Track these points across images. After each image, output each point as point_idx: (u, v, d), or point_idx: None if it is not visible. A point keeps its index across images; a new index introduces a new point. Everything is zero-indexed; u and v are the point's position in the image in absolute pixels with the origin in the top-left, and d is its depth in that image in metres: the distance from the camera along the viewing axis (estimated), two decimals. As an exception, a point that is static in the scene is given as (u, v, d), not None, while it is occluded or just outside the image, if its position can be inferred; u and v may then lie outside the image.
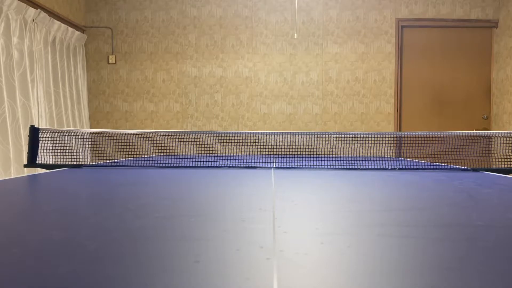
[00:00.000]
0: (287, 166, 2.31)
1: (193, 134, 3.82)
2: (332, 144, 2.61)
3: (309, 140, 2.79)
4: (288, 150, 3.53)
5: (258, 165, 2.25)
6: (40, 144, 2.22)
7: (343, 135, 2.43)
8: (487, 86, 4.59)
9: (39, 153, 2.20)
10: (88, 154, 3.72)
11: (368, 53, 4.56)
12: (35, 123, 3.52)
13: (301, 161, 2.66)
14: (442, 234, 0.77)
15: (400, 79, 4.59)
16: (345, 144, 2.75)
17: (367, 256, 0.62)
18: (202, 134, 3.85)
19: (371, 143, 3.99)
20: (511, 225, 0.85)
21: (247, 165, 2.24)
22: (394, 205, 1.09)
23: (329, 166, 2.24)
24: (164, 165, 2.28)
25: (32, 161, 2.17)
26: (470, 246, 0.68)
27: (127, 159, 2.83)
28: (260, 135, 3.33)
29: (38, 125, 3.58)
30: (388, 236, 0.75)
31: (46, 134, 2.27)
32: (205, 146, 3.93)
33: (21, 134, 3.34)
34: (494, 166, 2.45)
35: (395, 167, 2.27)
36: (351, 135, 2.39)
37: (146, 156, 3.10)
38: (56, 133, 2.33)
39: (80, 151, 2.94)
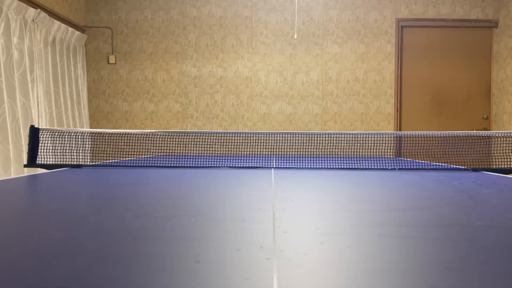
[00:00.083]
0: (287, 166, 2.31)
1: (193, 134, 3.82)
2: (332, 144, 2.61)
3: (309, 140, 2.79)
4: (288, 150, 3.53)
5: (258, 165, 2.25)
6: (40, 144, 2.22)
7: (343, 135, 2.43)
8: (487, 86, 4.59)
9: (39, 153, 2.20)
10: (88, 154, 3.72)
11: (368, 53, 4.56)
12: (35, 123, 3.52)
13: (301, 161, 2.66)
14: (442, 234, 0.77)
15: (400, 79, 4.59)
16: (345, 144, 2.75)
17: (367, 256, 0.62)
18: (202, 134, 3.85)
19: (371, 143, 4.00)
20: (511, 225, 0.85)
21: (247, 165, 2.24)
22: (394, 205, 1.09)
23: (329, 166, 2.24)
24: (164, 165, 2.28)
25: (32, 161, 2.17)
26: (470, 246, 0.68)
27: (127, 159, 2.83)
28: (260, 135, 3.33)
29: (38, 125, 3.58)
30: (388, 236, 0.75)
31: (46, 134, 2.27)
32: (205, 146, 3.93)
33: (21, 134, 3.34)
34: (494, 166, 2.45)
35: (395, 167, 2.27)
36: (351, 135, 2.39)
37: (146, 156, 3.10)
38: (56, 133, 2.33)
39: (80, 151, 2.94)
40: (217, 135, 4.06)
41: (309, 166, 2.27)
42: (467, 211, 1.01)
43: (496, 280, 0.52)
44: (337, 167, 2.22)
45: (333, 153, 2.68)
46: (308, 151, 2.83)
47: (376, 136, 2.45)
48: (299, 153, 3.25)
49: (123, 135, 2.59)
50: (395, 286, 0.50)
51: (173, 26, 4.57)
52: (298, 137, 3.66)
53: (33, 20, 3.57)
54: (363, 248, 0.67)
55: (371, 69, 4.56)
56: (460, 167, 2.31)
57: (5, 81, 3.18)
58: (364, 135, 2.36)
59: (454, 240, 0.72)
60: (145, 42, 4.59)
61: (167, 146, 2.81)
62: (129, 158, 2.86)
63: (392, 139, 4.13)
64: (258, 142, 2.87)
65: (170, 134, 3.04)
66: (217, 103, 4.60)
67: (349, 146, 2.83)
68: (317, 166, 2.26)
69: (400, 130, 4.59)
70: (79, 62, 4.41)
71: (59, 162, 2.27)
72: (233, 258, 0.61)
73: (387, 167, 2.28)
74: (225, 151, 3.56)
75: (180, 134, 3.44)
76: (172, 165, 2.28)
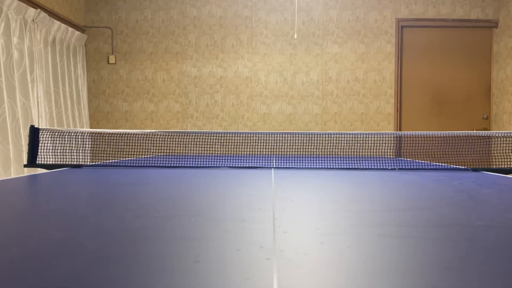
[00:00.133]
0: (287, 166, 2.31)
1: (193, 134, 3.82)
2: (332, 144, 2.61)
3: (309, 140, 2.79)
4: (288, 150, 3.53)
5: (258, 165, 2.25)
6: (40, 144, 2.22)
7: (343, 135, 2.43)
8: (487, 86, 4.59)
9: (39, 153, 2.20)
10: (88, 154, 3.72)
11: (368, 53, 4.56)
12: (35, 123, 3.52)
13: (301, 161, 2.66)
14: (442, 234, 0.77)
15: (400, 79, 4.59)
16: (345, 144, 2.75)
17: (367, 256, 0.62)
18: (202, 134, 3.85)
19: (371, 143, 3.99)
20: (511, 225, 0.85)
21: (247, 165, 2.24)
22: (394, 205, 1.09)
23: (329, 166, 2.24)
24: (164, 165, 2.28)
25: (32, 161, 2.17)
26: (470, 246, 0.68)
27: (127, 159, 2.83)
28: (260, 135, 3.33)
29: (38, 125, 3.58)
30: (388, 236, 0.75)
31: (46, 134, 2.27)
32: (205, 146, 3.93)
33: (21, 134, 3.34)
34: (494, 166, 2.45)
35: (395, 167, 2.27)
36: (351, 135, 2.39)
37: (146, 156, 3.10)
38: (56, 133, 2.33)
39: (80, 151, 2.94)
40: (217, 135, 4.06)
41: (309, 166, 2.27)
42: (467, 211, 1.01)
43: (496, 280, 0.52)
44: (337, 167, 2.22)
45: (333, 153, 2.68)
46: (308, 151, 2.83)
47: (376, 136, 2.45)
48: (299, 153, 3.25)
49: (123, 135, 2.59)
50: (395, 286, 0.50)
51: (173, 26, 4.57)
52: (298, 137, 3.66)
53: (33, 20, 3.57)
54: (363, 248, 0.67)
55: (371, 69, 4.56)
56: (460, 167, 2.31)
57: (5, 81, 3.18)
58: (364, 135, 2.36)
59: (454, 240, 0.72)
60: (145, 42, 4.59)
61: (167, 146, 2.81)
62: (129, 158, 2.86)
63: (392, 139, 4.13)
64: (258, 142, 2.87)
65: (170, 134, 3.05)
66: (217, 103, 4.60)
67: (349, 146, 2.83)
68: (317, 166, 2.26)
69: (400, 130, 4.59)
70: (79, 62, 4.41)
71: (59, 162, 2.27)
72: (233, 258, 0.61)
73: (387, 167, 2.28)
74: (225, 151, 3.56)
75: (180, 134, 3.44)
76: (172, 165, 2.28)
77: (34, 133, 2.19)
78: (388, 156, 3.94)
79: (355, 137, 3.49)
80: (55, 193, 1.27)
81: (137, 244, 0.69)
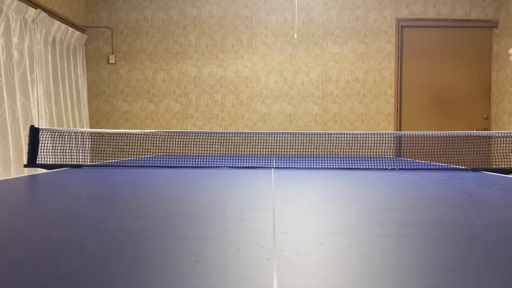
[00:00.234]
0: (287, 166, 2.31)
1: (193, 134, 3.82)
2: (332, 144, 2.61)
3: (309, 140, 2.79)
4: (288, 150, 3.52)
5: (258, 165, 2.25)
6: (40, 144, 2.22)
7: (343, 135, 2.43)
8: (487, 86, 4.59)
9: (39, 153, 2.20)
10: (88, 154, 3.72)
11: (368, 53, 4.56)
12: (35, 123, 3.52)
13: (301, 161, 2.66)
14: (442, 234, 0.77)
15: (400, 79, 4.59)
16: (345, 144, 2.75)
17: (367, 256, 0.62)
18: (202, 134, 3.85)
19: (371, 143, 3.99)
20: (511, 225, 0.85)
21: (247, 165, 2.24)
22: (394, 205, 1.09)
23: (329, 166, 2.24)
24: (164, 165, 2.28)
25: (32, 161, 2.17)
26: (470, 246, 0.68)
27: (127, 159, 2.83)
28: (260, 135, 3.33)
29: (38, 125, 3.58)
30: (388, 236, 0.75)
31: (46, 134, 2.27)
32: (205, 146, 3.93)
33: (21, 134, 3.34)
34: (494, 166, 2.45)
35: (395, 167, 2.27)
36: (351, 135, 2.39)
37: (146, 156, 3.10)
38: (56, 133, 2.33)
39: (80, 151, 2.94)
40: (217, 135, 4.06)
41: (309, 166, 2.27)
42: (467, 211, 1.01)
43: (496, 280, 0.52)
44: (337, 167, 2.22)
45: (333, 153, 2.68)
46: (308, 151, 2.83)
47: (376, 136, 2.45)
48: (299, 153, 3.25)
49: (123, 135, 2.59)
50: (395, 286, 0.50)
51: (173, 26, 4.57)
52: (298, 137, 3.66)
53: (33, 20, 3.57)
54: (363, 248, 0.67)
55: (371, 69, 4.56)
56: (460, 167, 2.31)
57: (5, 81, 3.18)
58: (364, 135, 2.36)
59: (454, 240, 0.72)
60: (145, 42, 4.59)
61: (167, 146, 2.81)
62: (129, 158, 2.86)
63: (392, 139, 4.13)
64: (258, 142, 2.87)
65: (170, 134, 3.05)
66: (217, 103, 4.60)
67: (349, 146, 2.83)
68: (317, 166, 2.26)
69: (400, 130, 4.59)
70: (79, 62, 4.41)
71: (59, 162, 2.27)
72: (233, 258, 0.61)
73: (387, 167, 2.28)
74: (225, 151, 3.56)
75: (180, 134, 3.44)
76: (172, 165, 2.28)
77: (34, 133, 2.19)
78: (388, 156, 3.94)
79: (355, 137, 3.49)
80: (55, 193, 1.27)
81: (137, 244, 0.69)
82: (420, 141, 3.00)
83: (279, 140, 3.84)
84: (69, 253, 0.63)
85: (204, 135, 3.85)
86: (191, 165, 2.30)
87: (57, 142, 2.32)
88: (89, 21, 4.59)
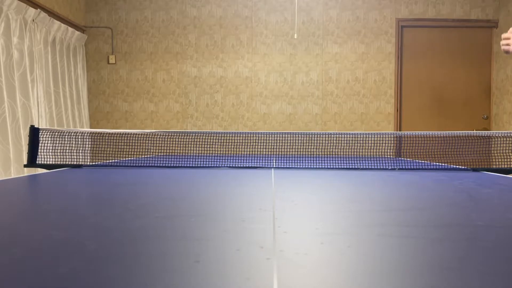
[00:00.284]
0: (287, 166, 2.31)
1: (193, 134, 3.82)
2: (332, 144, 2.61)
3: (309, 140, 2.79)
4: (288, 150, 3.52)
5: (258, 165, 2.25)
6: (40, 144, 2.22)
7: (343, 135, 2.43)
8: (487, 86, 4.59)
9: (39, 153, 2.20)
10: (88, 154, 3.72)
11: (368, 53, 4.56)
12: (35, 123, 3.52)
13: (301, 161, 2.66)
14: (442, 234, 0.76)
15: (400, 79, 4.59)
16: (345, 144, 2.75)
17: (367, 256, 0.62)
18: (202, 134, 3.85)
19: (371, 143, 3.99)
20: (511, 225, 0.85)
21: (247, 165, 2.24)
22: (394, 205, 1.09)
23: (329, 166, 2.24)
24: (164, 165, 2.28)
25: (32, 161, 2.17)
26: (470, 246, 0.68)
27: (127, 159, 2.83)
28: (260, 135, 3.33)
29: (38, 125, 3.58)
30: (388, 236, 0.75)
31: (46, 134, 2.27)
32: (205, 146, 3.92)
33: (21, 134, 3.34)
34: (494, 166, 2.45)
35: (395, 167, 2.27)
36: (351, 135, 2.39)
37: (146, 156, 3.10)
38: (56, 133, 2.33)
39: (80, 151, 2.94)
40: (217, 135, 4.06)
41: (309, 166, 2.27)
42: (467, 211, 1.01)
43: (496, 280, 0.52)
44: (337, 167, 2.22)
45: (333, 153, 2.68)
46: (308, 151, 2.83)
47: (376, 136, 2.45)
48: (299, 153, 3.25)
49: (123, 135, 2.59)
50: (395, 286, 0.50)
51: (173, 26, 4.57)
52: (298, 137, 3.66)
53: (33, 20, 3.57)
54: (363, 248, 0.67)
55: (371, 69, 4.56)
56: (460, 167, 2.31)
57: (5, 81, 3.18)
58: (364, 135, 2.36)
59: (454, 240, 0.72)
60: (145, 42, 4.59)
61: (167, 146, 2.81)
62: (129, 158, 2.86)
63: (392, 139, 4.13)
64: (258, 142, 2.87)
65: (170, 134, 3.05)
66: (217, 103, 4.60)
67: (349, 146, 2.83)
68: (317, 166, 2.26)
69: (400, 130, 4.59)
70: (79, 62, 4.41)
71: (59, 162, 2.27)
72: (233, 258, 0.61)
73: (387, 167, 2.28)
74: (225, 151, 3.56)
75: (180, 134, 3.44)
76: (172, 165, 2.28)
77: (34, 133, 2.19)
78: (388, 156, 3.94)
79: (355, 137, 3.48)
80: (55, 193, 1.27)
81: (137, 244, 0.69)
82: (420, 141, 3.00)
83: (279, 140, 3.84)
84: (69, 253, 0.63)
85: (204, 135, 3.85)
86: (191, 165, 2.30)
87: (57, 142, 2.32)
88: (89, 21, 4.59)
